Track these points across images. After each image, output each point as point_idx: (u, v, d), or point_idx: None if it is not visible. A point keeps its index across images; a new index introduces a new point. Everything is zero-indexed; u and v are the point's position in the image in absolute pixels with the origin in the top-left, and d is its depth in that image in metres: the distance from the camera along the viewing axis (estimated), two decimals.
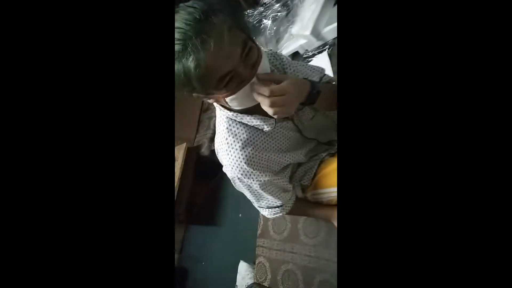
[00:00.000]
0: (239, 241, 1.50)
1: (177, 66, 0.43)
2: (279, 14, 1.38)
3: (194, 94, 0.50)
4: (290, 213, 0.76)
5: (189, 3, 0.44)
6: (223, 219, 1.69)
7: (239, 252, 1.43)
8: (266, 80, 0.48)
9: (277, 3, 1.39)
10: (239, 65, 0.45)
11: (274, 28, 1.39)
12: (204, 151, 1.87)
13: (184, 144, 1.80)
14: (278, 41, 1.40)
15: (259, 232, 1.12)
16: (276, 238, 1.05)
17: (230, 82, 0.47)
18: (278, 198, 0.70)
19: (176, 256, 1.92)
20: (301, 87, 0.54)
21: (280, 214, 0.74)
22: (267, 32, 1.41)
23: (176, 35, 0.42)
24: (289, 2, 1.34)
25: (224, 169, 0.66)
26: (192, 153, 1.89)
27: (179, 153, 1.83)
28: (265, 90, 0.47)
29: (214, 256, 1.65)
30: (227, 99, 0.50)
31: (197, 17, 0.42)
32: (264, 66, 0.49)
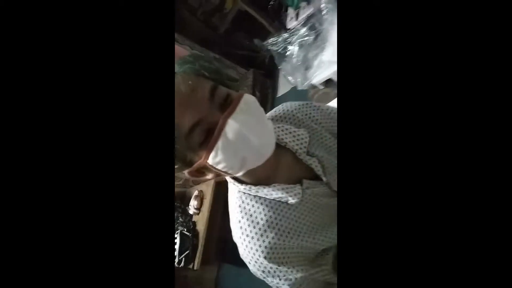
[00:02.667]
0: None
1: None
2: (306, 39, 1.22)
3: (184, 172, 0.41)
4: None
5: None
6: None
7: None
8: None
9: (304, 27, 1.24)
10: (209, 112, 0.36)
11: (302, 54, 1.23)
12: None
13: (213, 180, 1.73)
14: (307, 68, 1.24)
15: None
16: None
17: (206, 136, 0.36)
18: None
19: None
20: None
21: None
22: (294, 60, 1.26)
23: None
24: (316, 25, 1.18)
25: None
26: (221, 188, 1.81)
27: (208, 189, 1.77)
28: None
29: None
30: (221, 167, 0.38)
31: None
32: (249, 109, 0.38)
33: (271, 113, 0.55)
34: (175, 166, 0.39)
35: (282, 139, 0.47)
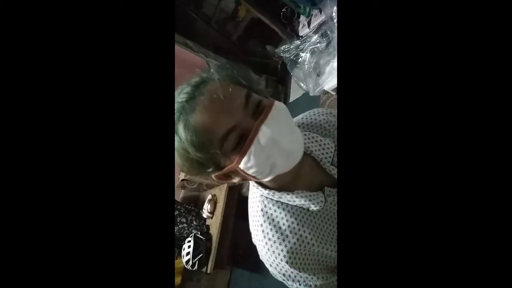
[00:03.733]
0: None
1: (176, 144, 0.38)
2: (318, 46, 1.24)
3: (212, 175, 0.42)
4: None
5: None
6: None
7: None
8: None
9: (315, 34, 1.26)
10: (244, 118, 0.37)
11: (314, 61, 1.25)
12: (246, 191, 1.78)
13: (226, 185, 1.75)
14: (319, 75, 1.25)
15: None
16: None
17: (239, 141, 0.37)
18: None
19: None
20: None
21: None
22: (306, 66, 1.28)
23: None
24: (328, 32, 1.20)
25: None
26: (234, 192, 1.83)
27: (221, 193, 1.79)
28: None
29: None
30: (252, 172, 0.39)
31: (191, 87, 0.39)
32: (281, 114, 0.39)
33: (299, 119, 0.56)
34: (208, 170, 0.41)
35: (309, 147, 0.48)
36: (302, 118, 0.56)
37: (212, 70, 0.41)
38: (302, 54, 1.29)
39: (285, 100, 1.98)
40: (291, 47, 1.33)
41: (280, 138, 0.38)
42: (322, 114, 0.55)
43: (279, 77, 2.05)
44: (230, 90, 0.38)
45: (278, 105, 0.40)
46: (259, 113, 0.38)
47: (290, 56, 1.35)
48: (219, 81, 0.39)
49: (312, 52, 1.25)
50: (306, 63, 1.28)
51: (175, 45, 1.83)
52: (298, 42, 1.31)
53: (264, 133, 0.37)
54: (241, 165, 0.38)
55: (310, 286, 0.47)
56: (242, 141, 0.37)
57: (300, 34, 1.34)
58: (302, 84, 1.33)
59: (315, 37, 1.25)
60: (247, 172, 0.39)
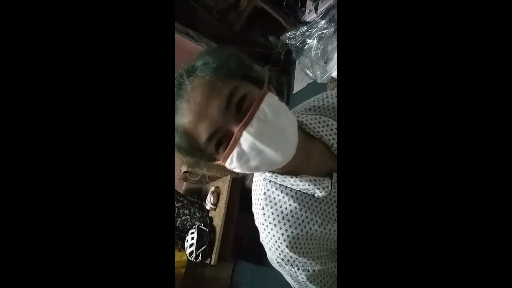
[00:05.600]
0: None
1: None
2: (325, 31, 1.21)
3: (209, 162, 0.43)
4: None
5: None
6: None
7: None
8: None
9: (323, 19, 1.23)
10: (225, 122, 0.36)
11: (321, 47, 1.22)
12: (249, 183, 1.76)
13: (229, 177, 1.73)
14: (326, 62, 1.23)
15: None
16: None
17: (222, 144, 0.37)
18: None
19: None
20: None
21: None
22: (313, 53, 1.25)
23: None
24: (336, 17, 1.17)
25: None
26: (237, 184, 1.81)
27: (224, 185, 1.77)
28: None
29: None
30: (237, 171, 0.39)
31: (176, 83, 0.37)
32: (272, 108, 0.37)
33: (310, 101, 0.53)
34: (202, 162, 0.41)
35: (318, 131, 0.46)
36: (313, 101, 0.53)
37: (197, 63, 0.37)
38: (309, 41, 1.26)
39: (288, 91, 1.96)
40: (297, 33, 1.30)
41: (264, 144, 0.35)
42: (334, 97, 0.52)
43: (282, 68, 2.02)
44: (211, 90, 0.35)
45: (266, 103, 0.37)
46: (243, 114, 0.36)
47: (296, 43, 1.32)
48: (202, 78, 0.36)
49: (320, 38, 1.22)
50: (313, 49, 1.25)
51: (176, 34, 1.80)
52: (304, 28, 1.28)
53: (246, 139, 0.35)
54: (226, 165, 0.38)
55: (308, 271, 0.46)
56: (224, 144, 0.36)
57: (307, 19, 1.32)
58: (308, 72, 1.30)
59: (322, 23, 1.22)
60: (233, 170, 0.39)
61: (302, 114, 0.50)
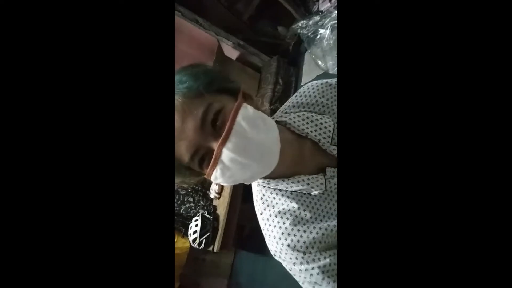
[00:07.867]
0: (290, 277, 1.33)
1: None
2: None
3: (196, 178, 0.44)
4: None
5: None
6: None
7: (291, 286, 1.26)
8: None
9: (336, 9, 1.21)
10: (204, 139, 0.36)
11: (333, 38, 1.21)
12: None
13: None
14: None
15: None
16: None
17: (204, 160, 0.37)
18: None
19: (225, 281, 1.85)
20: None
21: None
22: (325, 43, 1.24)
23: None
24: None
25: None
26: None
27: None
28: None
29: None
30: (222, 184, 0.39)
31: None
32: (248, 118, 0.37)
33: (292, 98, 0.52)
34: (186, 178, 0.41)
35: (303, 129, 0.45)
36: (296, 97, 0.51)
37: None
38: (322, 31, 1.25)
39: (296, 83, 1.94)
40: (310, 23, 1.29)
41: (244, 158, 0.36)
42: (317, 88, 0.50)
43: (290, 59, 2.00)
44: (184, 112, 0.36)
45: (242, 116, 0.36)
46: (220, 130, 0.36)
47: (308, 33, 1.30)
48: (176, 100, 0.36)
49: (333, 28, 1.21)
50: (325, 39, 1.24)
51: (184, 21, 1.77)
52: (317, 17, 1.26)
53: (226, 155, 0.36)
54: (212, 180, 0.39)
55: (319, 267, 0.44)
56: (207, 161, 0.37)
57: (321, 9, 1.30)
58: (320, 62, 1.29)
59: (335, 12, 1.21)
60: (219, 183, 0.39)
61: (286, 113, 0.49)
